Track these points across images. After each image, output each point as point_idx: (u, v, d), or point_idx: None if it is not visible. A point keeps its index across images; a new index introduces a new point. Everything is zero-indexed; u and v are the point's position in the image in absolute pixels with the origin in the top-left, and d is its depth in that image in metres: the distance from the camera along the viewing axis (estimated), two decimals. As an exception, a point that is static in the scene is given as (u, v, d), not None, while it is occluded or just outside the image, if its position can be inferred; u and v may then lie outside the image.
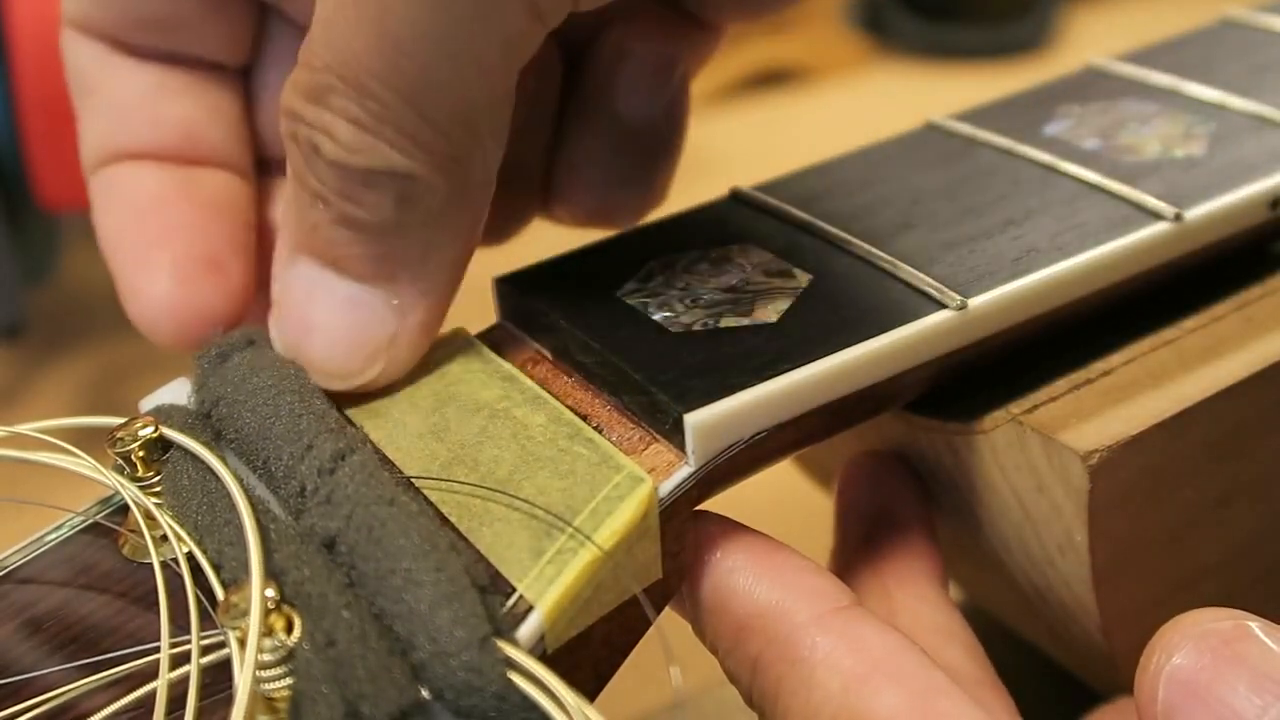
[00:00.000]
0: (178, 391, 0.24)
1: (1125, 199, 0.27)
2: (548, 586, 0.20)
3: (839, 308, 0.24)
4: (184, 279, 0.26)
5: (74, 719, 0.19)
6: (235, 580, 0.20)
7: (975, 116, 0.31)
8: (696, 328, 0.24)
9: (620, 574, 0.21)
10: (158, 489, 0.22)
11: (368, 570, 0.20)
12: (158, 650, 0.19)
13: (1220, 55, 0.33)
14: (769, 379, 0.23)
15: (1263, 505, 0.28)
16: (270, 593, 0.19)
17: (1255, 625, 0.20)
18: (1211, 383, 0.25)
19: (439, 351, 0.25)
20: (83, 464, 0.22)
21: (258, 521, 0.20)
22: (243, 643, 0.18)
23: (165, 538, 0.21)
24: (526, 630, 0.20)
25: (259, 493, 0.22)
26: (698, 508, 0.23)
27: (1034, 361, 0.26)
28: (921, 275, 0.25)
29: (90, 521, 0.23)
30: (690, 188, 0.31)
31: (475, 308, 0.27)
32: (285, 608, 0.19)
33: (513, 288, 0.26)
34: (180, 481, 0.22)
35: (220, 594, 0.20)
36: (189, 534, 0.21)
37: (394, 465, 0.22)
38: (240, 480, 0.21)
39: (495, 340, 0.26)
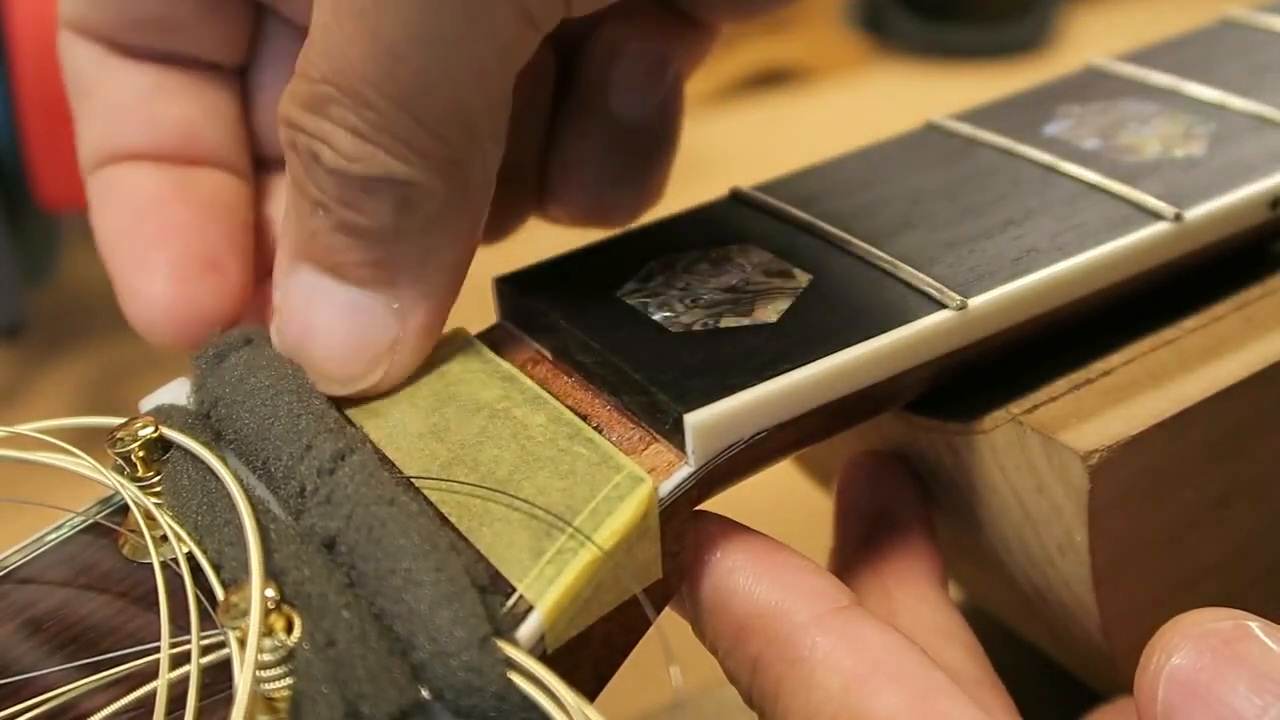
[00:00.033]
0: (177, 391, 0.24)
1: (1125, 199, 0.27)
2: (548, 586, 0.20)
3: (839, 308, 0.24)
4: (181, 279, 0.26)
5: (74, 719, 0.19)
6: (235, 580, 0.20)
7: (975, 116, 0.31)
8: (696, 328, 0.24)
9: (620, 574, 0.21)
10: (158, 489, 0.22)
11: (368, 570, 0.20)
12: (158, 650, 0.19)
13: (1220, 55, 0.33)
14: (769, 379, 0.23)
15: (1263, 505, 0.28)
16: (270, 593, 0.19)
17: (1255, 625, 0.20)
18: (1211, 383, 0.25)
19: (439, 351, 0.25)
20: (83, 464, 0.22)
21: (258, 521, 0.20)
22: (243, 643, 0.18)
23: (165, 538, 0.21)
24: (526, 630, 0.20)
25: (259, 493, 0.22)
26: (698, 508, 0.23)
27: (1034, 361, 0.26)
28: (921, 275, 0.25)
29: (90, 521, 0.23)
30: (690, 188, 0.31)
31: (475, 308, 0.27)
32: (285, 608, 0.19)
33: (513, 288, 0.26)
34: (180, 481, 0.22)
35: (220, 594, 0.20)
36: (189, 534, 0.21)
37: (394, 465, 0.22)
38: (240, 480, 0.21)
39: (495, 340, 0.26)
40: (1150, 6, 0.82)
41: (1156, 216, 0.26)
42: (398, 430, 0.23)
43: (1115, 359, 0.26)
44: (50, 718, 0.19)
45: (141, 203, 0.27)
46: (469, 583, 0.19)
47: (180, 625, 0.20)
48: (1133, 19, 0.85)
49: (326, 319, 0.23)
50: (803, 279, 0.25)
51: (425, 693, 0.19)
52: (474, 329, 0.26)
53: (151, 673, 0.19)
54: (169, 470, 0.22)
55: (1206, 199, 0.27)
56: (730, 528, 0.24)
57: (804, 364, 0.23)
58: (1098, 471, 0.23)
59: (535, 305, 0.26)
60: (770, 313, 0.24)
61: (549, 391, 0.24)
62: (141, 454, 0.22)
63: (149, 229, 0.26)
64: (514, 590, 0.20)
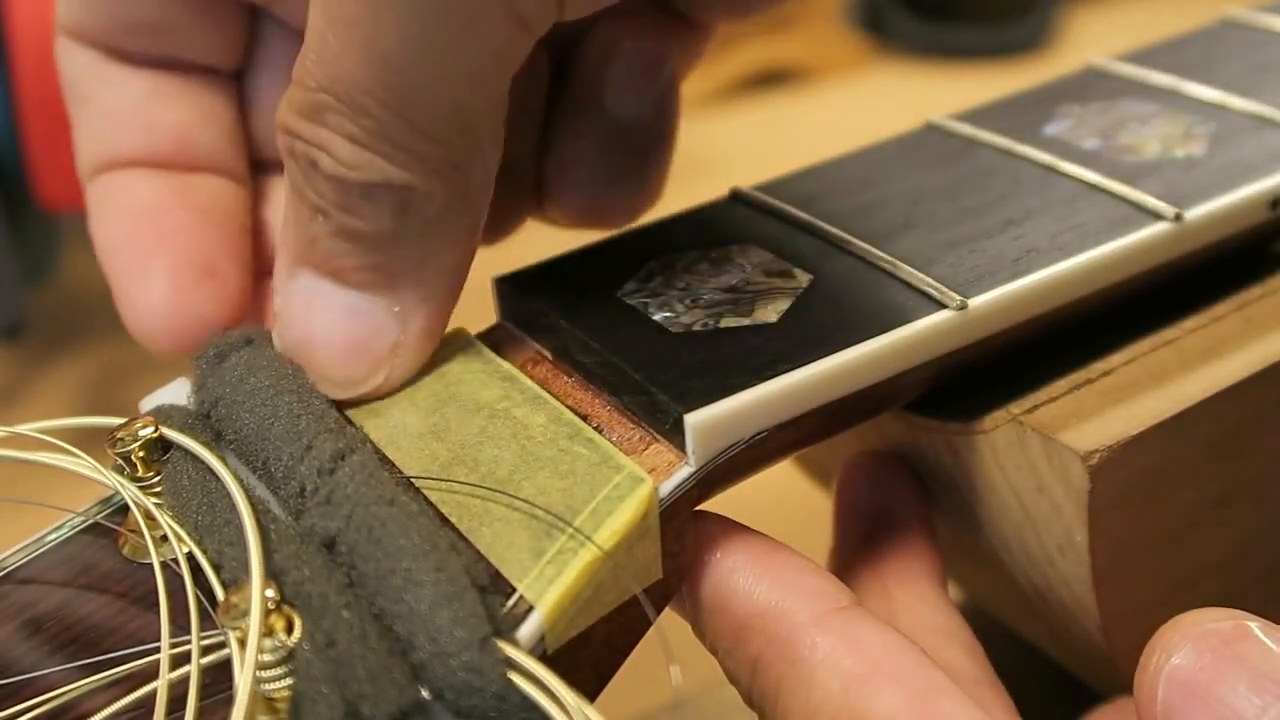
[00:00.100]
0: (178, 392, 0.25)
1: (1125, 199, 0.27)
2: (548, 587, 0.20)
3: (839, 308, 0.25)
4: (180, 286, 0.26)
5: (74, 719, 0.19)
6: (235, 580, 0.20)
7: (975, 116, 0.31)
8: (697, 328, 0.24)
9: (620, 574, 0.21)
10: (158, 489, 0.22)
11: (368, 570, 0.20)
12: (158, 650, 0.19)
13: (1220, 55, 0.33)
14: (769, 379, 0.23)
15: (1263, 505, 0.28)
16: (270, 593, 0.19)
17: (1255, 625, 0.20)
18: (1211, 383, 0.25)
19: (439, 352, 0.25)
20: (83, 464, 0.22)
21: (258, 522, 0.20)
22: (243, 643, 0.18)
23: (165, 538, 0.21)
24: (527, 630, 0.20)
25: (259, 493, 0.22)
26: (698, 508, 0.23)
27: (1034, 361, 0.26)
28: (921, 275, 0.25)
29: (90, 522, 0.23)
30: (690, 188, 0.31)
31: (475, 308, 0.27)
32: (285, 608, 0.19)
33: (513, 288, 0.26)
34: (180, 482, 0.22)
35: (220, 594, 0.20)
36: (189, 534, 0.21)
37: (394, 465, 0.22)
38: (240, 480, 0.21)
39: (495, 340, 0.26)
40: (1150, 6, 0.82)
41: (1156, 216, 0.26)
42: (398, 430, 0.23)
43: (1115, 359, 0.26)
44: (51, 718, 0.19)
45: (139, 210, 0.27)
46: (469, 583, 0.19)
47: (180, 625, 0.20)
48: (1133, 19, 0.85)
49: (327, 323, 0.24)
50: (803, 279, 0.25)
51: (425, 693, 0.19)
52: (474, 329, 0.26)
53: (152, 673, 0.19)
54: (169, 470, 0.22)
55: (1206, 199, 0.27)
56: (730, 528, 0.24)
57: (804, 364, 0.23)
58: (1098, 471, 0.23)
59: (535, 305, 0.26)
60: (770, 313, 0.24)
61: (549, 391, 0.24)
62: (141, 454, 0.22)
63: (147, 237, 0.27)
64: (514, 590, 0.20)
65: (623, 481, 0.21)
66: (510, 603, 0.20)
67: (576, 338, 0.24)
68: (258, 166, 0.29)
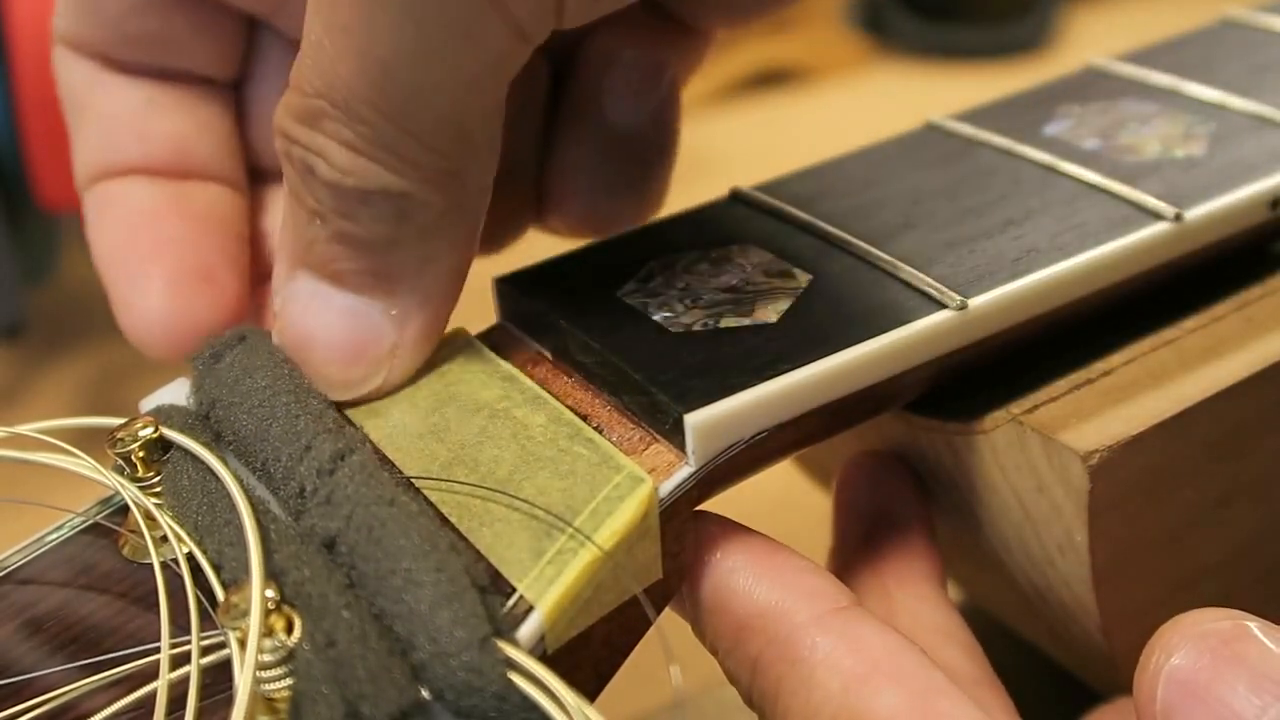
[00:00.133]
0: (177, 392, 0.25)
1: (1125, 199, 0.27)
2: (548, 587, 0.20)
3: (839, 308, 0.24)
4: (176, 292, 0.26)
5: (74, 719, 0.19)
6: (235, 581, 0.20)
7: (975, 116, 0.31)
8: (696, 328, 0.24)
9: (620, 574, 0.21)
10: (158, 489, 0.22)
11: (368, 570, 0.20)
12: (158, 650, 0.19)
13: (1220, 55, 0.33)
14: (769, 379, 0.23)
15: (1263, 505, 0.28)
16: (270, 593, 0.19)
17: (1254, 625, 0.20)
18: (1211, 383, 0.25)
19: (439, 352, 0.25)
20: (83, 464, 0.22)
21: (258, 522, 0.20)
22: (243, 643, 0.18)
23: (165, 538, 0.21)
24: (527, 630, 0.20)
25: (259, 493, 0.22)
26: (698, 508, 0.23)
27: (1034, 361, 0.26)
28: (921, 275, 0.25)
29: (90, 522, 0.23)
30: (690, 188, 0.31)
31: (475, 308, 0.27)
32: (285, 608, 0.19)
33: (513, 288, 0.26)
34: (180, 482, 0.22)
35: (220, 594, 0.20)
36: (189, 534, 0.21)
37: (394, 465, 0.22)
38: (240, 481, 0.21)
39: (495, 340, 0.26)
40: (1150, 6, 0.82)
41: (1156, 216, 0.26)
42: (398, 430, 0.23)
43: (1115, 359, 0.26)
44: (51, 718, 0.19)
45: (136, 217, 0.27)
46: (469, 583, 0.19)
47: (180, 626, 0.20)
48: (1133, 19, 0.85)
49: (326, 325, 0.24)
50: (803, 279, 0.25)
51: (425, 693, 0.19)
52: (474, 329, 0.26)
53: (152, 673, 0.19)
54: (169, 471, 0.22)
55: (1206, 199, 0.27)
56: (730, 528, 0.24)
57: (804, 364, 0.23)
58: (1098, 471, 0.23)
59: (535, 305, 0.26)
60: (770, 313, 0.24)
61: (549, 392, 0.24)
62: (141, 454, 0.22)
63: (143, 243, 0.27)
64: (514, 590, 0.20)
65: (623, 481, 0.21)
66: (510, 603, 0.20)
67: (576, 338, 0.24)
68: (257, 175, 0.29)
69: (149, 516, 0.22)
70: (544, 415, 0.23)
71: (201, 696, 0.18)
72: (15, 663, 0.20)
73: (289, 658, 0.18)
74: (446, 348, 0.25)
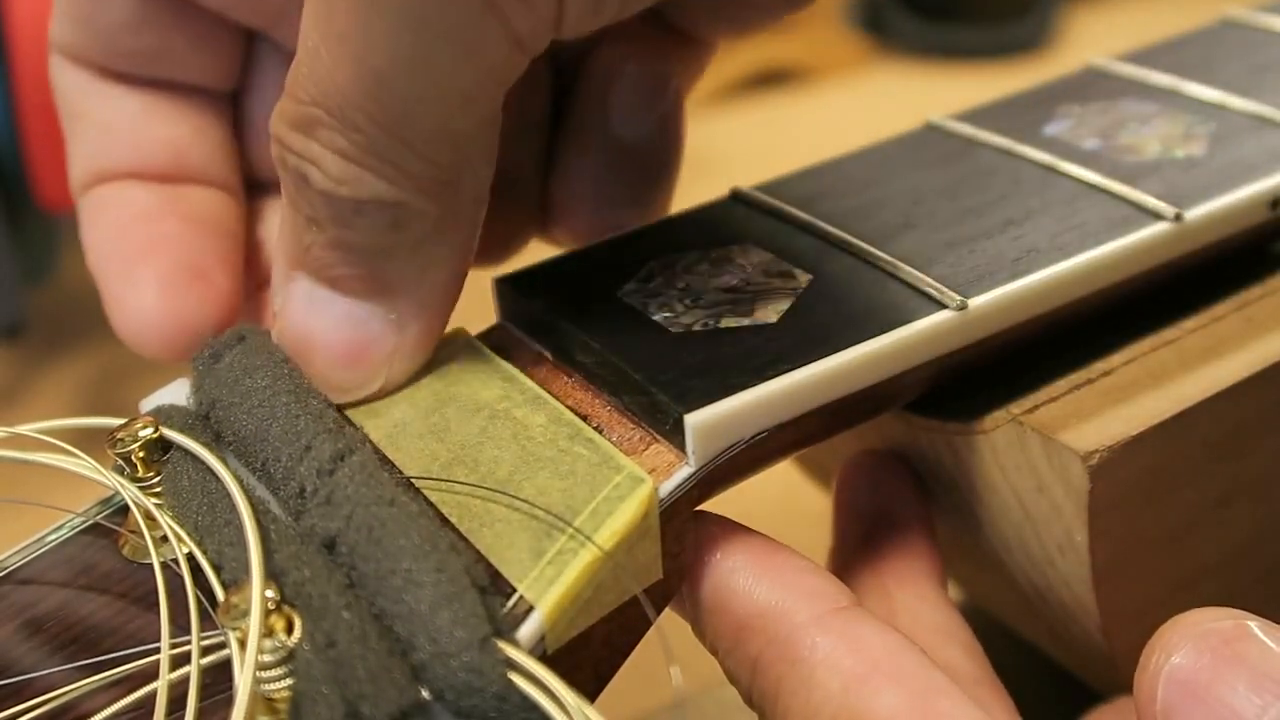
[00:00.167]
0: (177, 392, 0.24)
1: (1125, 199, 0.27)
2: (548, 587, 0.20)
3: (839, 308, 0.24)
4: (168, 290, 0.26)
5: (74, 719, 0.19)
6: (235, 581, 0.20)
7: (975, 116, 0.31)
8: (697, 328, 0.24)
9: (620, 574, 0.21)
10: (158, 490, 0.22)
11: (368, 571, 0.20)
12: (158, 651, 0.19)
13: (1220, 55, 0.33)
14: (769, 379, 0.23)
15: (1263, 505, 0.28)
16: (270, 593, 0.19)
17: (1255, 625, 0.20)
18: (1211, 383, 0.25)
19: (439, 352, 0.25)
20: (83, 464, 0.22)
21: (258, 522, 0.20)
22: (243, 643, 0.18)
23: (165, 538, 0.21)
24: (527, 631, 0.20)
25: (259, 494, 0.22)
26: (698, 508, 0.23)
27: (1034, 361, 0.26)
28: (921, 275, 0.25)
29: (90, 522, 0.23)
30: (690, 188, 0.31)
31: (475, 308, 0.27)
32: (285, 608, 0.19)
33: (513, 288, 0.26)
34: (180, 482, 0.22)
35: (220, 595, 0.20)
36: (189, 535, 0.21)
37: (394, 465, 0.22)
38: (240, 481, 0.21)
39: (495, 340, 0.26)
40: (1150, 6, 0.82)
41: (1156, 216, 0.26)
42: (398, 430, 0.23)
43: (1115, 359, 0.26)
44: (51, 718, 0.19)
45: (129, 217, 0.27)
46: (469, 583, 0.19)
47: (180, 626, 0.20)
48: (1133, 19, 0.85)
49: (325, 328, 0.24)
50: (803, 279, 0.25)
51: (425, 693, 0.19)
52: (474, 329, 0.26)
53: (152, 673, 0.19)
54: (169, 471, 0.22)
55: (1206, 199, 0.27)
56: (730, 528, 0.24)
57: (804, 364, 0.23)
58: (1098, 471, 0.23)
59: (535, 305, 0.26)
60: (770, 313, 0.24)
61: (549, 392, 0.24)
62: (142, 454, 0.22)
63: (136, 242, 0.27)
64: (514, 591, 0.20)
65: (623, 482, 0.21)
66: (510, 603, 0.20)
67: (576, 338, 0.24)
68: (256, 186, 0.29)
69: (149, 517, 0.22)
70: (544, 415, 0.23)
71: (201, 696, 0.18)
72: (15, 663, 0.20)
73: (289, 658, 0.18)
74: (446, 348, 0.25)
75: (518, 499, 0.21)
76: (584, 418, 0.23)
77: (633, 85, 0.29)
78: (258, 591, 0.19)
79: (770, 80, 0.78)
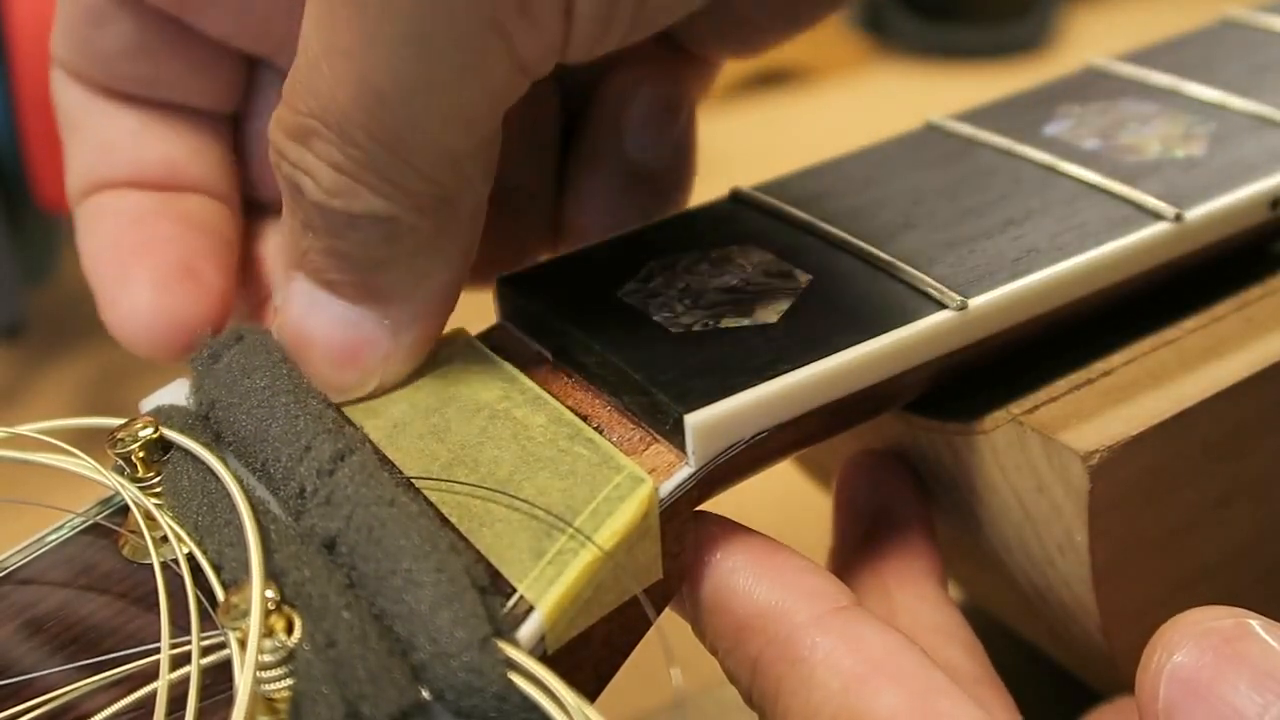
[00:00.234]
0: (177, 392, 0.24)
1: (1125, 199, 0.27)
2: (548, 587, 0.20)
3: (839, 308, 0.24)
4: (161, 288, 0.26)
5: (74, 719, 0.19)
6: (235, 581, 0.20)
7: (975, 116, 0.31)
8: (697, 328, 0.24)
9: (620, 574, 0.21)
10: (158, 490, 0.22)
11: (368, 571, 0.20)
12: (158, 651, 0.19)
13: (1220, 55, 0.33)
14: (769, 379, 0.23)
15: (1263, 505, 0.28)
16: (270, 593, 0.19)
17: (1256, 623, 0.20)
18: (1211, 383, 0.25)
19: (439, 352, 0.25)
20: (83, 465, 0.22)
21: (258, 522, 0.20)
22: (243, 643, 0.18)
23: (165, 538, 0.21)
24: (527, 631, 0.20)
25: (259, 494, 0.22)
26: (698, 508, 0.23)
27: (1034, 361, 0.26)
28: (922, 275, 0.25)
29: (90, 522, 0.23)
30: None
31: (475, 308, 0.27)
32: (285, 608, 0.19)
33: (513, 288, 0.26)
34: (180, 482, 0.22)
35: (220, 595, 0.20)
36: (189, 535, 0.21)
37: (394, 466, 0.22)
38: (240, 481, 0.21)
39: (496, 341, 0.26)
40: (1150, 6, 0.82)
41: (1157, 216, 0.26)
42: (398, 430, 0.23)
43: (1115, 359, 0.26)
44: (51, 718, 0.19)
45: (124, 220, 0.27)
46: (469, 583, 0.19)
47: (180, 626, 0.20)
48: (1133, 19, 0.85)
49: (322, 328, 0.24)
50: (803, 279, 0.25)
51: (426, 693, 0.19)
52: (474, 329, 0.26)
53: (152, 673, 0.19)
54: (169, 471, 0.22)
55: (1207, 199, 0.27)
56: (730, 528, 0.24)
57: (804, 364, 0.23)
58: (1098, 471, 0.23)
59: (536, 305, 0.26)
60: (770, 313, 0.24)
61: (549, 392, 0.24)
62: (142, 455, 0.22)
63: (129, 243, 0.27)
64: (514, 591, 0.20)
65: (623, 482, 0.21)
66: (510, 603, 0.20)
67: (576, 338, 0.24)
68: (257, 207, 0.29)
69: (149, 517, 0.22)
70: (544, 415, 0.23)
71: (201, 697, 0.18)
72: (15, 663, 0.20)
73: (289, 658, 0.18)
74: (447, 348, 0.25)
75: (518, 499, 0.21)
76: (584, 418, 0.23)
77: (647, 108, 0.29)
78: (258, 591, 0.19)
79: (770, 80, 0.78)
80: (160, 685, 0.19)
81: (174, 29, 0.26)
